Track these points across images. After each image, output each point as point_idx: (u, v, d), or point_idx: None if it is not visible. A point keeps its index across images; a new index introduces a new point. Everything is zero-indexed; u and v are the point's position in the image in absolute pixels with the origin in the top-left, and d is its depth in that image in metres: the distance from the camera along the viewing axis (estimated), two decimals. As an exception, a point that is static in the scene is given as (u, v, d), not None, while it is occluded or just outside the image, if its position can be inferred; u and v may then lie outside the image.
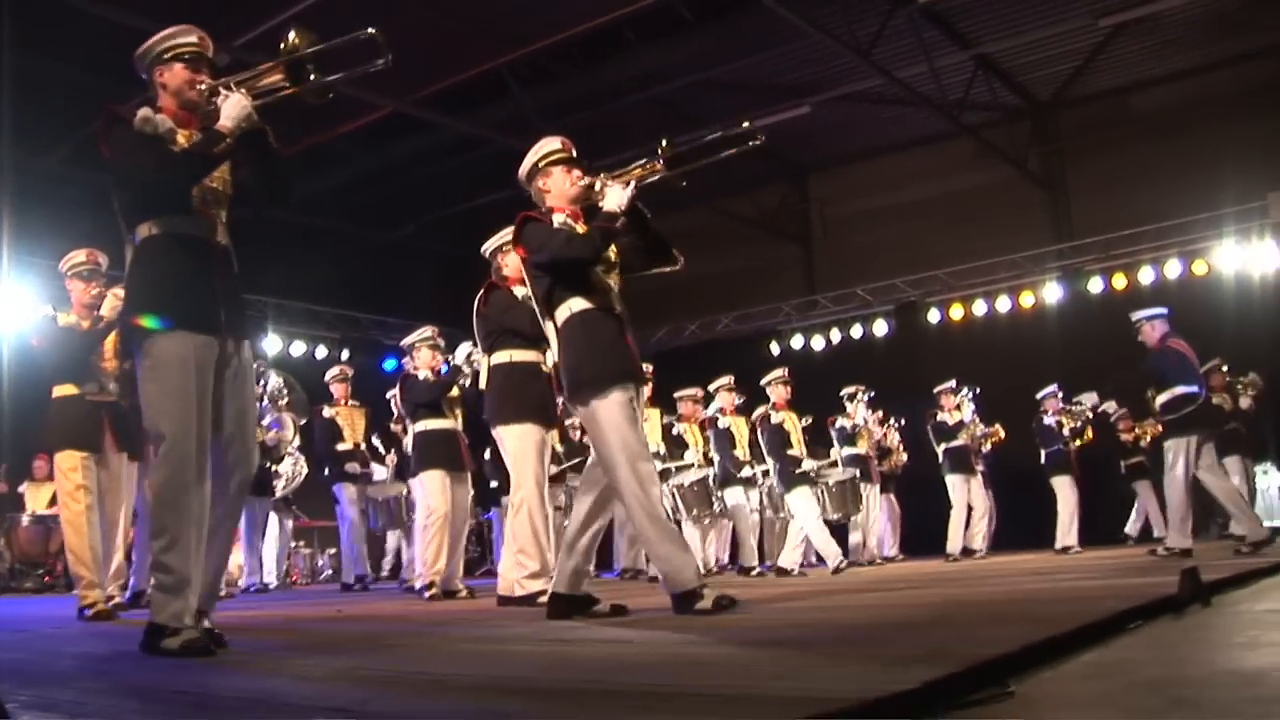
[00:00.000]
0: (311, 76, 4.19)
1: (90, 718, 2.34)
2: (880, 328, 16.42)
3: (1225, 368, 12.48)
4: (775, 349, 16.97)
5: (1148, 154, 14.90)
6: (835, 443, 12.20)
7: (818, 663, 2.70)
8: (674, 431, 11.36)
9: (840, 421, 12.23)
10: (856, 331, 16.62)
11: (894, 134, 16.47)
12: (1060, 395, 12.84)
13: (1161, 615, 3.51)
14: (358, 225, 17.27)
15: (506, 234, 6.34)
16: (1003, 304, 15.41)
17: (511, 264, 6.60)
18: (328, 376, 11.75)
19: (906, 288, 16.13)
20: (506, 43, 12.44)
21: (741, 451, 10.86)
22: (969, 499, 12.44)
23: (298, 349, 16.00)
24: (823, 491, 10.51)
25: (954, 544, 12.24)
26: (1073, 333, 14.55)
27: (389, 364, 16.42)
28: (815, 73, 14.20)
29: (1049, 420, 12.70)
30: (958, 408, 12.71)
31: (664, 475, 10.37)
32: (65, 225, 15.28)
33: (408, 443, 9.29)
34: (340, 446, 11.19)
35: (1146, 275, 14.28)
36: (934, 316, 16.04)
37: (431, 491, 8.18)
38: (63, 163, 13.67)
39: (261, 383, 10.22)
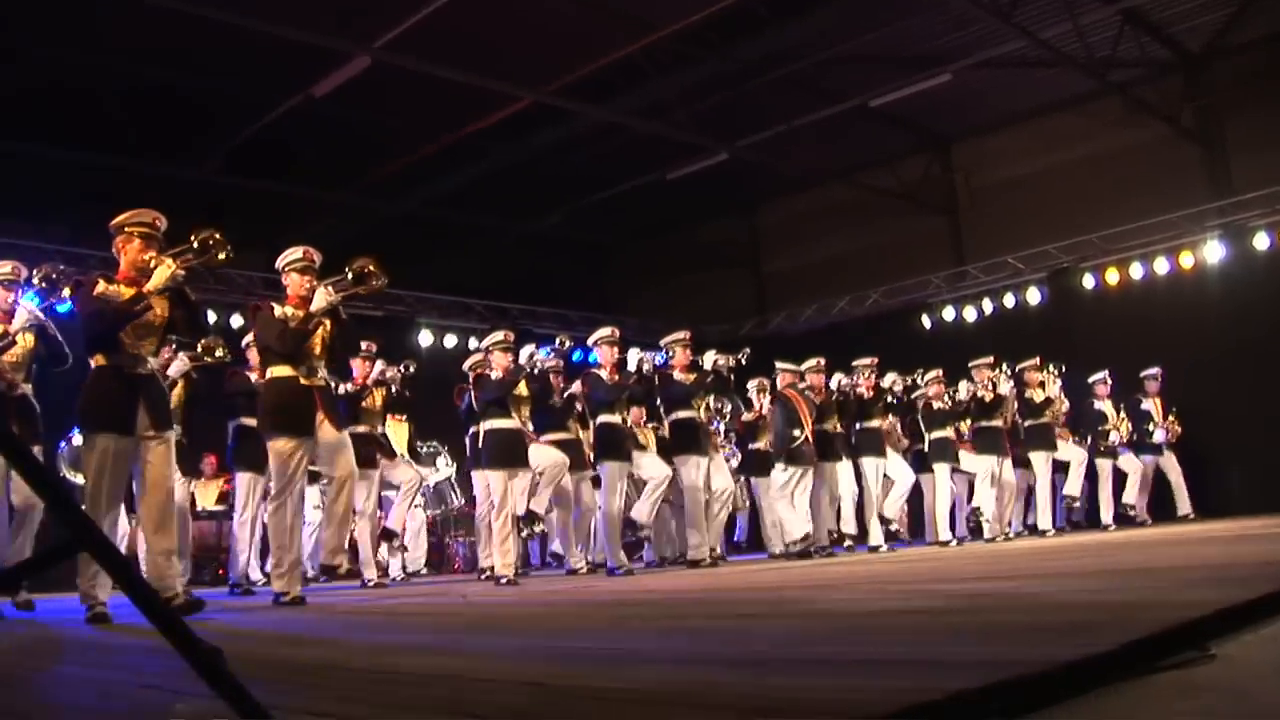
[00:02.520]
0: (221, 256, 5.94)
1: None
2: (1033, 296, 16.02)
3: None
4: (926, 322, 16.72)
5: (1313, 100, 14.22)
6: (971, 415, 12.09)
7: (1004, 629, 2.65)
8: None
9: (979, 393, 12.05)
10: (1009, 301, 16.24)
11: (1039, 97, 16.01)
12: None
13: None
14: (503, 217, 17.49)
15: (293, 253, 7.10)
16: (1161, 266, 14.87)
17: (292, 284, 7.06)
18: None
19: (1059, 254, 15.70)
20: (641, 28, 12.43)
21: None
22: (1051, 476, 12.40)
23: (449, 341, 16.23)
24: None
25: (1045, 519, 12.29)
26: (1238, 292, 13.99)
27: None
28: (955, 39, 13.86)
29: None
30: (1042, 385, 12.49)
31: None
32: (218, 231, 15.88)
33: None
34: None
35: (1317, 229, 13.63)
36: (1089, 282, 15.57)
37: (497, 489, 8.74)
38: (216, 171, 14.11)
39: None
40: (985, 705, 1.68)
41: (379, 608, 6.11)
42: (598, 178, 16.85)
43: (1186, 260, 14.67)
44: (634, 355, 9.80)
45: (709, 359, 10.25)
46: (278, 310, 6.88)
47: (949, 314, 16.72)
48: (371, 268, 7.10)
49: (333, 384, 7.61)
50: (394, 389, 10.03)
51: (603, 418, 9.45)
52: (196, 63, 12.36)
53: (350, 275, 7.09)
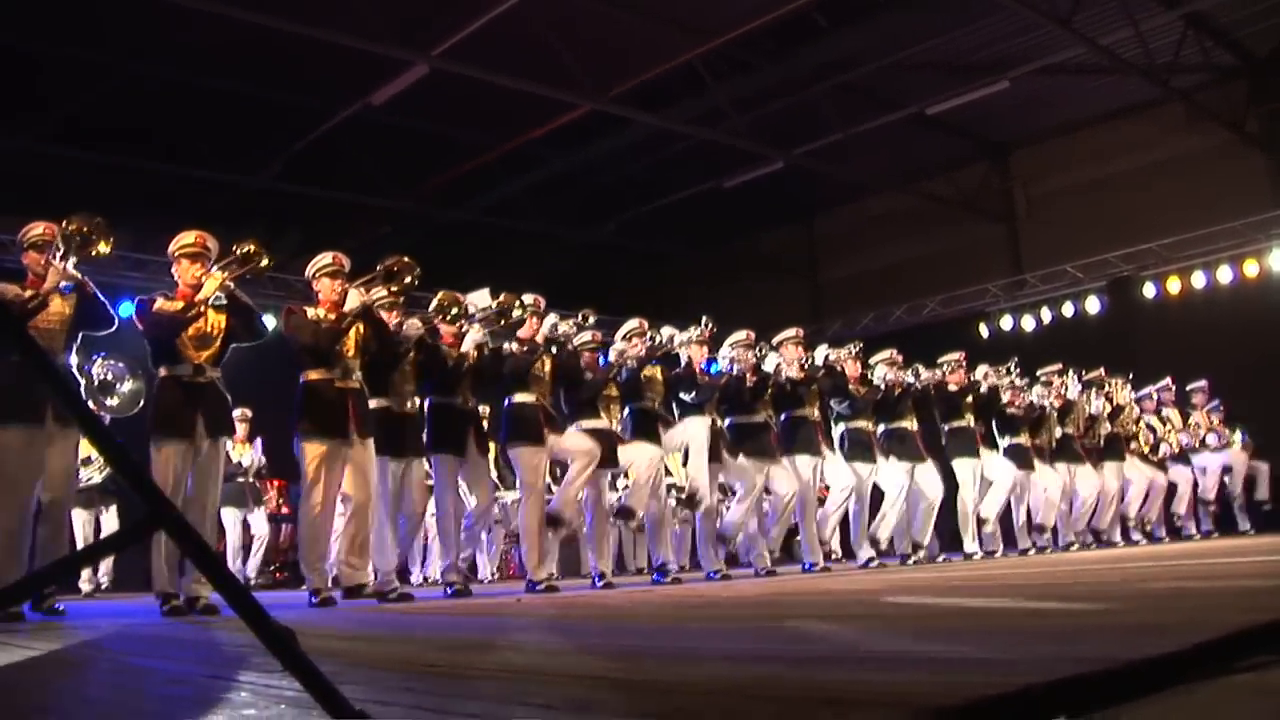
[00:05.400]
0: (264, 263, 6.36)
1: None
2: (1093, 305, 15.89)
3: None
4: (984, 331, 16.62)
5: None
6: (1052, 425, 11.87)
7: (1072, 631, 2.63)
8: None
9: (1049, 401, 11.88)
10: (1068, 310, 16.12)
11: (1099, 104, 15.86)
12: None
13: None
14: (560, 225, 17.54)
15: (322, 259, 7.08)
16: (1224, 274, 14.70)
17: (323, 289, 7.09)
18: None
19: (1119, 262, 15.55)
20: (698, 35, 12.44)
21: None
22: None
23: (505, 349, 16.23)
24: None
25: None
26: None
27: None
28: (1013, 46, 13.74)
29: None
30: (1109, 396, 12.30)
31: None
32: (276, 238, 16.06)
33: None
34: None
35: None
36: (1150, 291, 15.42)
37: (590, 493, 8.46)
38: (275, 179, 14.25)
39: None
40: (1052, 701, 1.66)
41: (439, 607, 6.14)
42: (654, 186, 16.87)
43: (1251, 269, 14.50)
44: (724, 354, 9.59)
45: (820, 355, 10.11)
46: (310, 313, 6.98)
47: (1007, 323, 16.62)
48: (404, 265, 7.12)
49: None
50: (569, 349, 8.62)
51: (579, 423, 8.80)
52: (256, 72, 12.52)
53: (381, 273, 7.11)
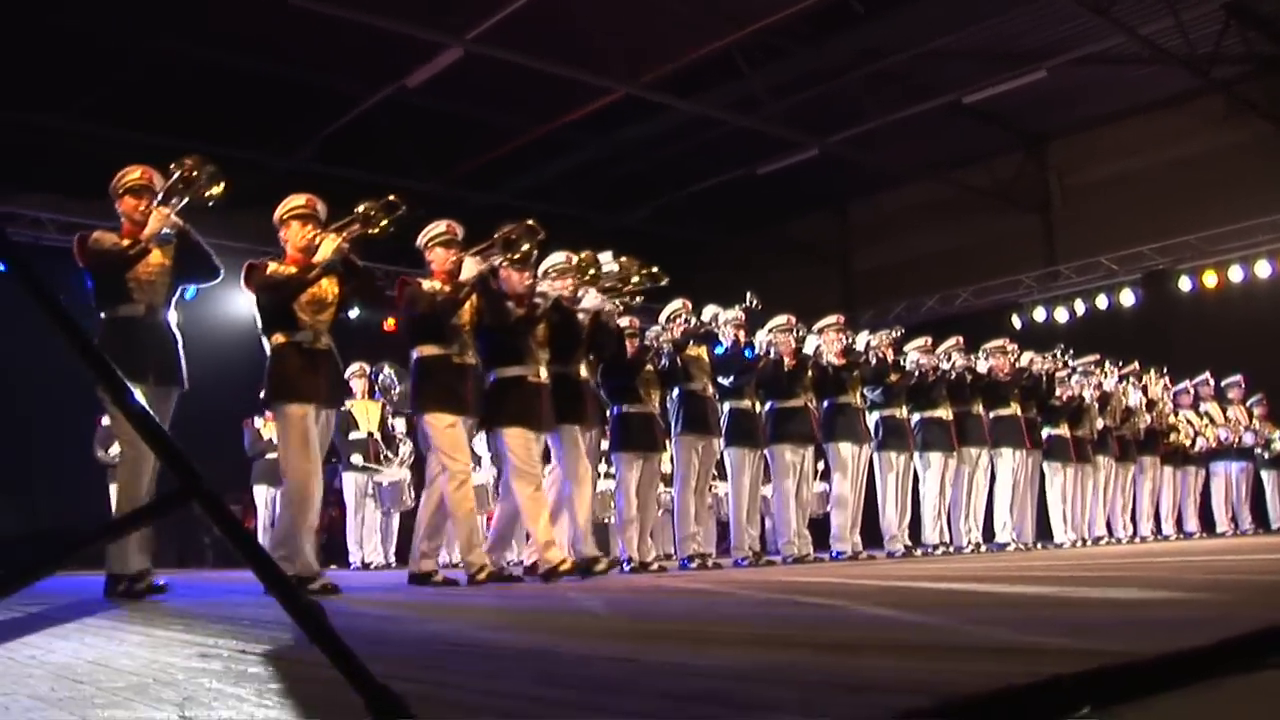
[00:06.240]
0: (384, 223, 6.12)
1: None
2: (1127, 298, 15.76)
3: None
4: (1016, 322, 16.52)
5: None
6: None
7: (1100, 624, 2.62)
8: None
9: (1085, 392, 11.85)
10: (1102, 303, 16.00)
11: (1137, 94, 15.69)
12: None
13: None
14: (592, 211, 17.53)
15: (435, 227, 6.91)
16: (1263, 269, 14.55)
17: (436, 259, 6.86)
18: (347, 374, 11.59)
19: (1155, 255, 15.42)
20: (734, 21, 12.39)
21: None
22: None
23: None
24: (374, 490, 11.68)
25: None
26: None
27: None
28: (1051, 35, 13.59)
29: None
30: (1145, 389, 12.28)
31: None
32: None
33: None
34: (353, 435, 11.57)
35: None
36: (1185, 285, 15.28)
37: (626, 475, 8.42)
38: (309, 160, 14.27)
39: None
40: (1081, 691, 1.66)
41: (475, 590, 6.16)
42: (688, 172, 16.83)
43: (1291, 264, 14.37)
44: (762, 337, 9.55)
45: (862, 341, 10.04)
46: (425, 285, 6.68)
47: (1040, 315, 16.52)
48: (524, 231, 6.91)
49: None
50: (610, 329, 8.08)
51: (731, 403, 9.13)
52: (292, 52, 12.55)
53: (499, 241, 6.87)
